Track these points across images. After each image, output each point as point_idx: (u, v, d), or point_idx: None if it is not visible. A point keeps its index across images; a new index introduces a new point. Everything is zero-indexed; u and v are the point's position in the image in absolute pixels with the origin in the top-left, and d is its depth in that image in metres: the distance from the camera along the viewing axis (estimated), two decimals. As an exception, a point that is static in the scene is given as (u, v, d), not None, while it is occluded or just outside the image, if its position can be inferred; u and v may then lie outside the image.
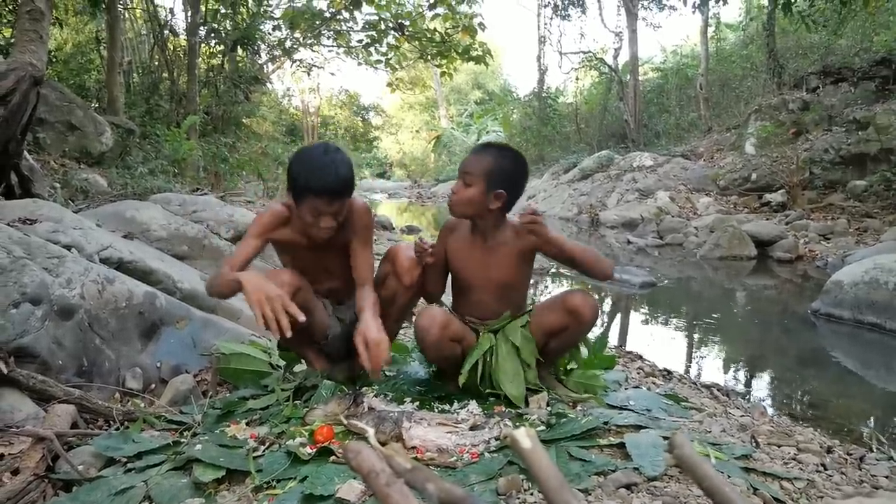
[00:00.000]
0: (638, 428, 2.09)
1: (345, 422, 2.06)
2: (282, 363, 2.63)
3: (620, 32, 19.91)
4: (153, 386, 2.65)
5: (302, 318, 1.98)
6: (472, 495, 0.64)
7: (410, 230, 11.57)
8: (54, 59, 10.70)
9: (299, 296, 2.18)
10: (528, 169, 2.43)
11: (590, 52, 21.57)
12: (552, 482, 0.63)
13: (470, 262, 2.42)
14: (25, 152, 5.06)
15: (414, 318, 2.40)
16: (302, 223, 2.19)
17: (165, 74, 12.29)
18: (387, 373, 2.68)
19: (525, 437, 0.70)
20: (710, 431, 2.28)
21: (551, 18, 21.68)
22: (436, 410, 2.27)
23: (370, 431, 1.26)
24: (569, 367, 2.59)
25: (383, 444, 1.98)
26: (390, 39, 12.48)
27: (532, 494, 1.65)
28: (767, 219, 10.10)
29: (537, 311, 2.43)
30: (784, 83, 14.25)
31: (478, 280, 2.42)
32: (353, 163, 2.22)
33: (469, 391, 2.38)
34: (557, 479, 0.64)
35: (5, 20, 8.71)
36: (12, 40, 6.42)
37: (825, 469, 2.11)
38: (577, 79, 23.17)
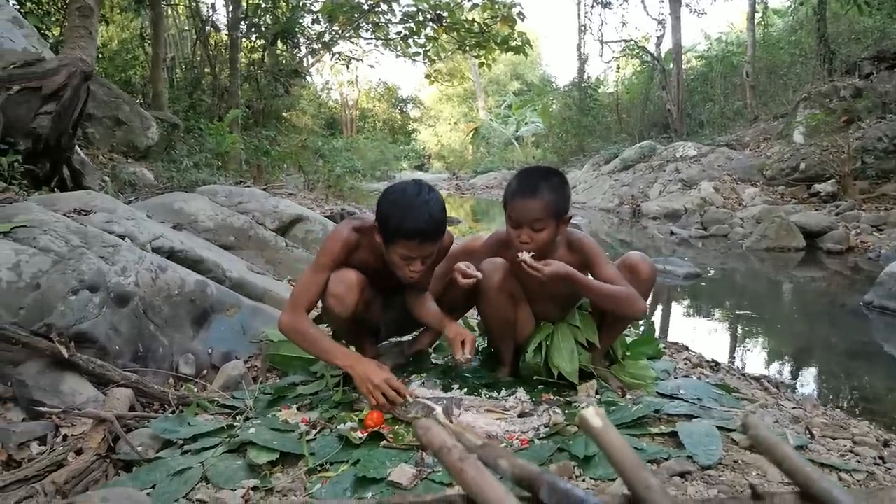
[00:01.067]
0: (689, 417, 2.06)
1: (408, 398, 2.08)
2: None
3: (663, 20, 19.53)
4: (205, 372, 2.71)
5: (405, 394, 2.10)
6: (545, 472, 0.64)
7: (450, 221, 11.53)
8: (101, 56, 10.97)
9: (365, 293, 2.23)
10: (564, 174, 2.37)
11: (631, 40, 21.25)
12: (628, 461, 0.62)
13: (532, 280, 2.31)
14: (76, 146, 5.21)
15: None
16: (389, 259, 2.17)
17: (207, 69, 12.51)
18: (434, 360, 2.70)
19: (595, 417, 0.69)
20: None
21: (592, 6, 21.41)
22: (484, 397, 2.27)
23: (438, 409, 1.25)
24: (624, 354, 2.57)
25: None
26: (428, 31, 12.50)
27: (584, 481, 1.64)
28: (817, 209, 9.83)
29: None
30: (835, 69, 13.81)
31: (541, 295, 2.41)
32: (444, 203, 2.18)
33: (520, 378, 2.39)
34: (633, 458, 0.63)
35: (55, 18, 8.95)
36: (62, 38, 6.60)
37: (884, 462, 2.06)
38: (619, 68, 22.85)
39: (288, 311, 2.21)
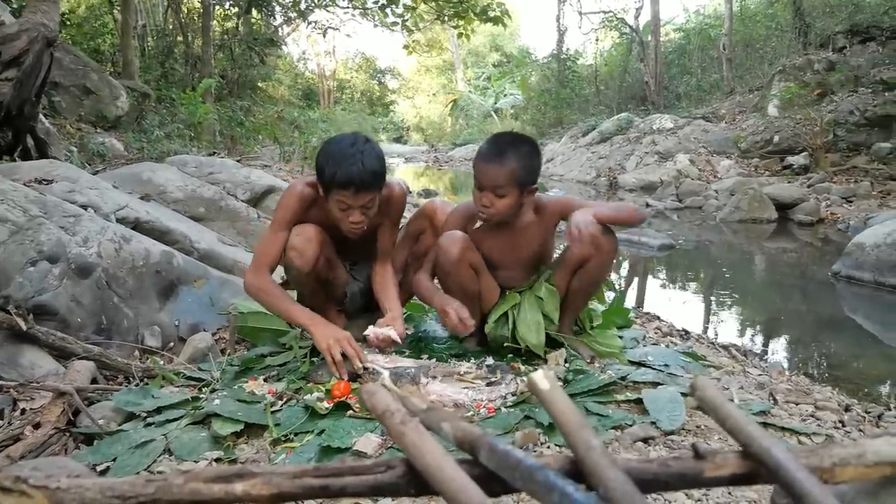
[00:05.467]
0: (655, 384, 2.07)
1: (365, 364, 2.07)
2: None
3: (641, -9, 19.43)
4: (172, 344, 2.68)
5: (360, 365, 2.11)
6: (487, 434, 0.63)
7: (427, 194, 11.52)
8: (67, 23, 10.65)
9: (325, 251, 2.24)
10: (538, 145, 2.37)
11: (610, 11, 21.14)
12: (572, 422, 0.61)
13: (497, 245, 2.38)
14: (41, 116, 5.06)
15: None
16: (331, 213, 2.17)
17: (180, 38, 12.23)
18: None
19: (543, 379, 0.68)
20: (728, 389, 2.26)
21: (570, -23, 21.17)
22: (452, 366, 2.26)
23: (385, 374, 1.25)
24: (591, 325, 2.57)
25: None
26: (406, 0, 12.27)
27: (549, 448, 1.64)
28: (789, 182, 9.91)
29: (559, 255, 2.43)
30: (810, 43, 13.85)
31: (507, 261, 2.41)
32: (383, 154, 2.18)
33: (488, 347, 2.38)
34: (576, 419, 0.62)
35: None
36: (23, 2, 6.38)
37: (843, 426, 2.09)
38: (597, 40, 22.76)
39: (251, 271, 2.27)
